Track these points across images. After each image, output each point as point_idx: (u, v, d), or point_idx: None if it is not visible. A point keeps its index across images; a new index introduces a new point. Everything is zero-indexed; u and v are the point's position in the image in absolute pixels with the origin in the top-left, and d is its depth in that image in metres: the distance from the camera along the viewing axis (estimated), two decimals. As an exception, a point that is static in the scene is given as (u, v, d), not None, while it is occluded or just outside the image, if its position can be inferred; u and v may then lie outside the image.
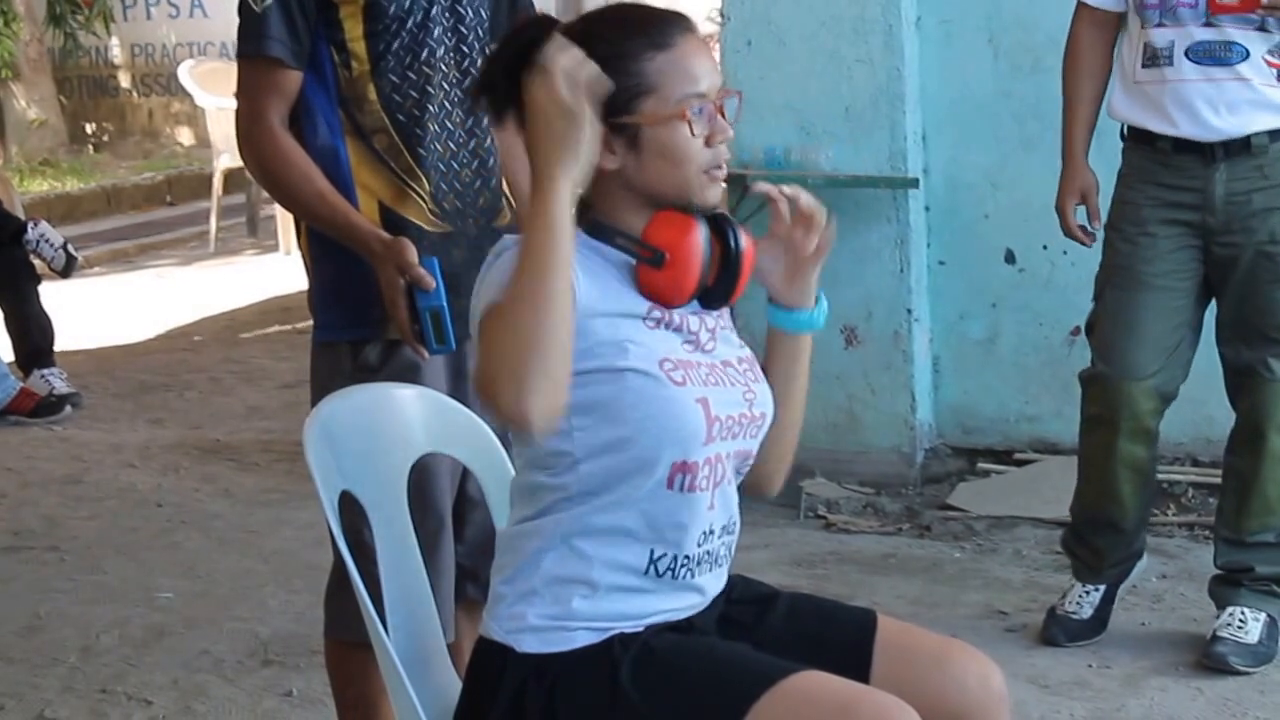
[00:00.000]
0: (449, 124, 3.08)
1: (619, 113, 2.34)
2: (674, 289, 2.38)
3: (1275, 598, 4.19)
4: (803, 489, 5.42)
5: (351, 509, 2.60)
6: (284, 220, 10.60)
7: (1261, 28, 3.95)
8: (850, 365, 5.59)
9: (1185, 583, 4.65)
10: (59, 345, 7.37)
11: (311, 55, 3.03)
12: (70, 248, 7.36)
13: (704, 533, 2.39)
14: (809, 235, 2.55)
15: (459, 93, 3.09)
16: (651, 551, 2.36)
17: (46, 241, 7.26)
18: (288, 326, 8.74)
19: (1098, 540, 4.26)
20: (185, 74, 12.02)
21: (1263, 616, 4.15)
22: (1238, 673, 4.06)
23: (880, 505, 5.43)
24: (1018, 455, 5.61)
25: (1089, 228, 4.27)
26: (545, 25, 2.38)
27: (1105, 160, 4.25)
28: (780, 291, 2.55)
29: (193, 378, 7.80)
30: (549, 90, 2.25)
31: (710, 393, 2.36)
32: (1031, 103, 5.37)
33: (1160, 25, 4.00)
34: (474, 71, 3.10)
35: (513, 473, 2.49)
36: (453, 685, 2.61)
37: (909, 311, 5.55)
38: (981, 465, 5.62)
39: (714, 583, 2.45)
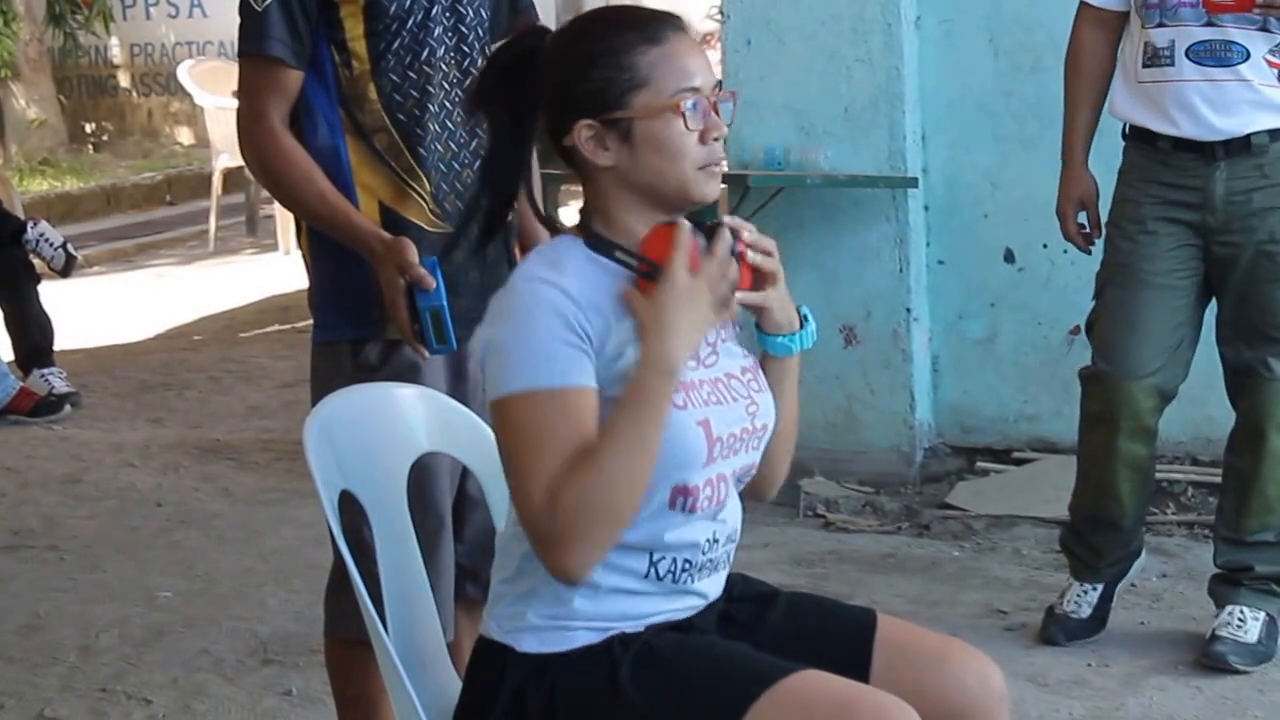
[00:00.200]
0: (450, 124, 3.08)
1: (611, 107, 2.34)
2: None
3: (1275, 597, 4.19)
4: (802, 488, 5.42)
5: (351, 508, 2.60)
6: (283, 220, 10.60)
7: (1263, 28, 3.94)
8: (849, 364, 5.59)
9: (1184, 582, 4.65)
10: (58, 345, 7.37)
11: (312, 55, 3.03)
12: (70, 247, 7.36)
13: (707, 541, 2.40)
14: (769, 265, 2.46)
15: (460, 93, 3.09)
16: (651, 555, 2.36)
17: (46, 241, 7.26)
18: (287, 326, 8.74)
19: (1096, 538, 4.26)
20: (184, 73, 12.02)
21: (1262, 615, 4.15)
22: (1237, 672, 4.06)
23: (879, 504, 5.43)
24: (1017, 454, 5.61)
25: (1089, 233, 4.28)
26: (539, 35, 2.41)
27: (1106, 159, 4.25)
28: (762, 321, 2.49)
29: (192, 377, 7.80)
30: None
31: (711, 412, 2.36)
32: (1031, 102, 5.37)
33: (1161, 25, 4.00)
34: (475, 71, 3.10)
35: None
36: (452, 684, 2.61)
37: (908, 311, 5.55)
38: (980, 464, 5.62)
39: (714, 586, 2.45)
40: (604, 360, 2.31)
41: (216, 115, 11.35)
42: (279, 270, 10.31)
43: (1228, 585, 4.21)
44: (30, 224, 7.31)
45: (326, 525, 2.53)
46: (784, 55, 5.58)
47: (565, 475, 2.23)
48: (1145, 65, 4.04)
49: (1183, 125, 4.01)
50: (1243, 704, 3.94)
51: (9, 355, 7.31)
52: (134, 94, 17.02)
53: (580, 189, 2.43)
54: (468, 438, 2.79)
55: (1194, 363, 4.17)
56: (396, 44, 3.04)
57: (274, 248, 11.16)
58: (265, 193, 10.47)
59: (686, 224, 2.34)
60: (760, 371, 2.48)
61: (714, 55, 6.64)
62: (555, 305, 2.28)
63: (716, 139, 2.39)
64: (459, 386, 3.08)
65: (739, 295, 2.38)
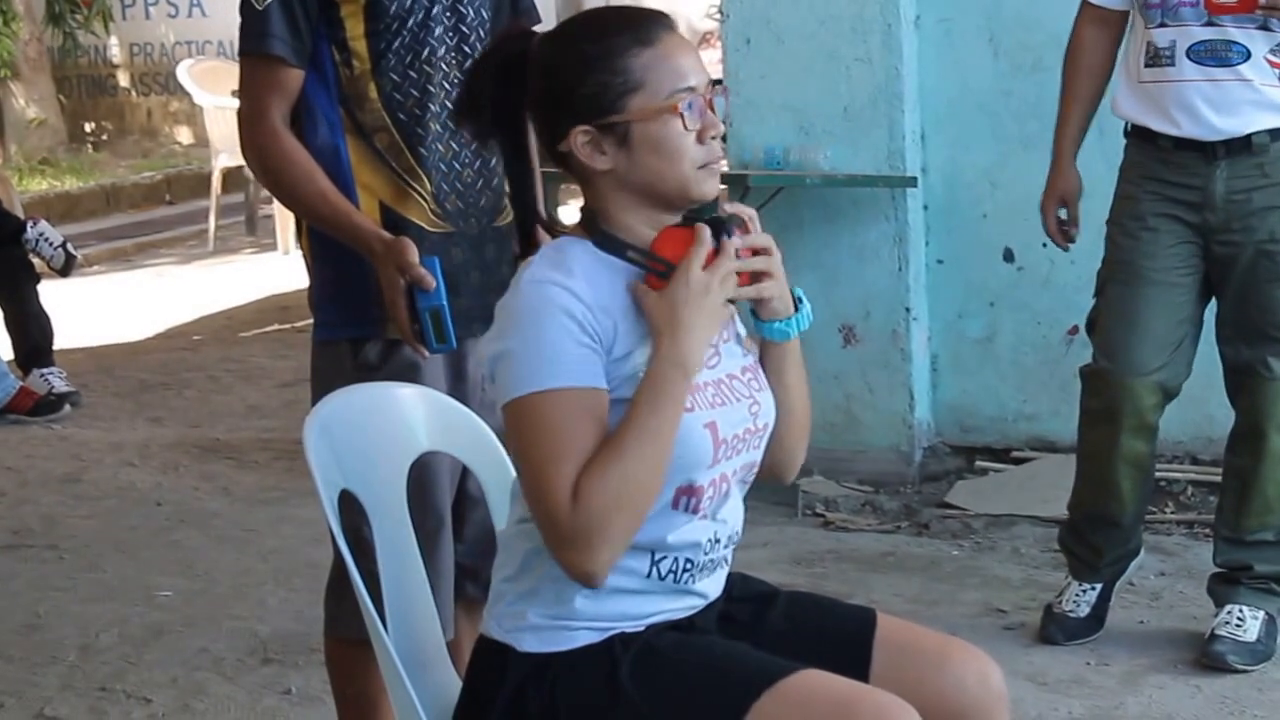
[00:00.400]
0: (451, 124, 3.08)
1: (607, 112, 2.34)
2: None
3: (1274, 596, 4.19)
4: (801, 487, 5.42)
5: (351, 507, 2.60)
6: (282, 219, 10.60)
7: (1264, 27, 3.94)
8: (848, 364, 5.59)
9: (1184, 580, 4.65)
10: (58, 344, 7.37)
11: (312, 54, 3.03)
12: (69, 246, 7.36)
13: (708, 541, 2.40)
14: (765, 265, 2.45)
15: (461, 93, 3.10)
16: (653, 555, 2.36)
17: (46, 240, 7.26)
18: (286, 325, 8.74)
19: (1096, 536, 4.26)
20: (184, 73, 12.01)
21: (1261, 615, 4.15)
22: (1236, 671, 4.06)
23: (879, 503, 5.43)
24: (1016, 454, 5.61)
25: (1068, 230, 4.29)
26: (525, 39, 2.40)
27: (1109, 158, 4.25)
28: (760, 310, 2.48)
29: (192, 376, 7.80)
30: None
31: (717, 414, 2.36)
32: (1032, 102, 5.37)
33: (1163, 25, 4.00)
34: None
35: (513, 474, 2.49)
36: (452, 683, 2.62)
37: (907, 310, 5.55)
38: (979, 463, 5.63)
39: (714, 586, 2.45)
40: (612, 361, 2.31)
41: (216, 115, 11.35)
42: (278, 269, 10.31)
43: (1227, 584, 4.21)
44: (30, 223, 7.31)
45: (326, 524, 2.53)
46: (783, 55, 5.58)
47: (586, 475, 2.23)
48: (1147, 65, 4.04)
49: (1184, 125, 4.01)
50: (1242, 703, 3.94)
51: (9, 355, 7.31)
52: (133, 93, 17.01)
53: (579, 189, 2.43)
54: (468, 437, 2.79)
55: (1195, 361, 4.17)
56: (397, 43, 3.04)
57: (273, 247, 11.16)
58: (265, 192, 10.41)
59: (705, 229, 2.34)
60: (760, 370, 2.49)
61: (713, 54, 6.65)
62: (565, 306, 2.28)
63: (714, 137, 2.38)
64: (459, 386, 3.09)
65: (737, 291, 2.37)
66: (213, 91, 11.36)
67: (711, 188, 2.40)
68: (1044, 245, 5.31)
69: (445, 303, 2.96)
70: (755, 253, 2.39)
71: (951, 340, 5.66)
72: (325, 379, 3.02)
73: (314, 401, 2.83)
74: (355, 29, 3.03)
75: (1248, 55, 3.95)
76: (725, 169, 5.60)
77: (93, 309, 9.48)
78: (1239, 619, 4.14)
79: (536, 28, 3.18)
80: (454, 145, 3.09)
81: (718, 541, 2.41)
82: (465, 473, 3.06)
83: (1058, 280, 5.43)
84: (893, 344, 5.57)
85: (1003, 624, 4.43)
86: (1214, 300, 4.16)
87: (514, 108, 2.42)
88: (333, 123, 3.06)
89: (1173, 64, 4.00)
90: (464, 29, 3.12)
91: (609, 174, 2.36)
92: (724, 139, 2.48)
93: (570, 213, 4.52)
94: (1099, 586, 4.30)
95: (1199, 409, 4.92)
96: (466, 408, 2.84)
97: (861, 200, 5.55)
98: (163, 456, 6.36)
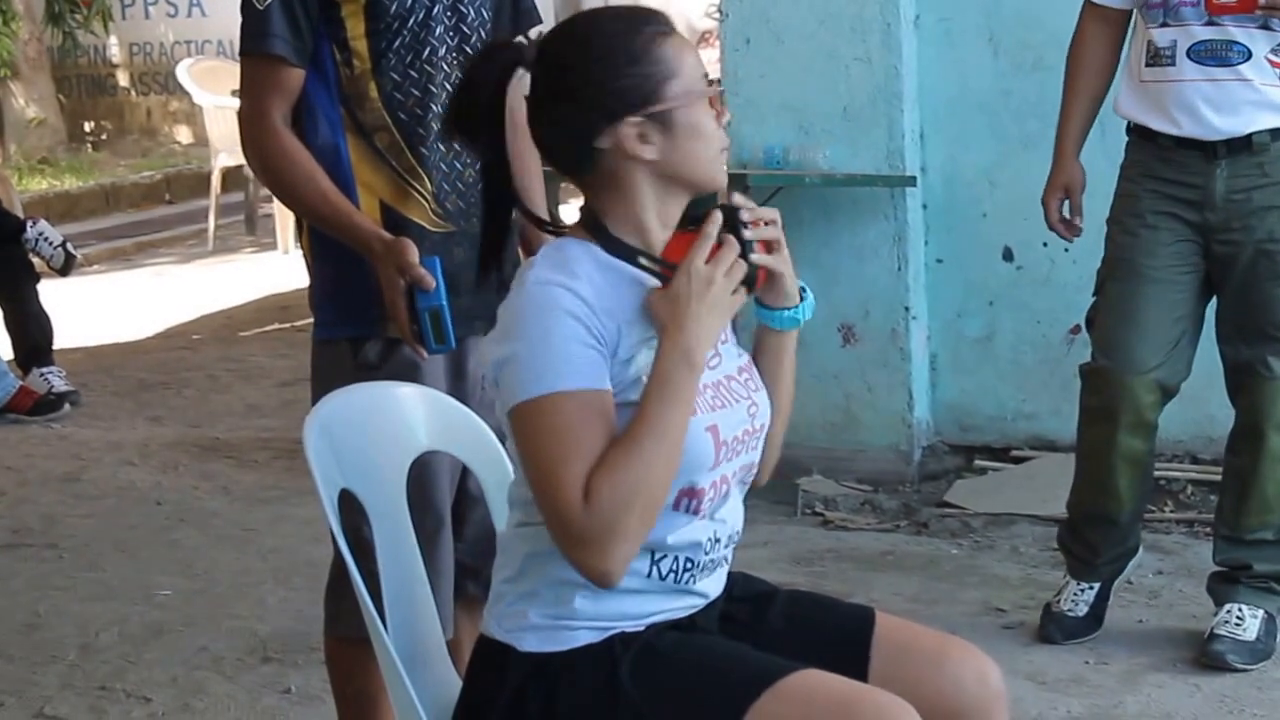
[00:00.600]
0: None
1: (652, 101, 2.34)
2: None
3: (1273, 595, 4.20)
4: (800, 486, 5.43)
5: (351, 506, 2.60)
6: (282, 218, 10.61)
7: (1265, 26, 3.94)
8: (848, 363, 5.60)
9: (1183, 579, 4.65)
10: (58, 343, 7.37)
11: (313, 53, 3.03)
12: (69, 246, 7.37)
13: (708, 541, 2.40)
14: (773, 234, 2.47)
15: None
16: (653, 555, 2.36)
17: (45, 240, 7.27)
18: (286, 324, 8.74)
19: (1094, 535, 4.26)
20: (183, 72, 12.01)
21: (1260, 614, 4.15)
22: (1235, 670, 4.06)
23: (878, 503, 5.44)
24: (1015, 453, 5.61)
25: (1072, 223, 4.29)
26: (518, 49, 2.39)
27: (1111, 156, 4.25)
28: (772, 293, 2.51)
29: (191, 376, 7.80)
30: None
31: (718, 417, 2.36)
32: (1032, 101, 5.37)
33: (1164, 25, 4.00)
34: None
35: (511, 475, 2.49)
36: (452, 682, 2.62)
37: (906, 309, 5.56)
38: (979, 463, 5.63)
39: (715, 585, 2.45)
40: (616, 365, 2.31)
41: (215, 114, 11.36)
42: (278, 269, 10.32)
43: (1226, 583, 4.22)
44: (29, 223, 7.32)
45: (325, 523, 2.53)
46: (783, 54, 5.58)
47: (598, 474, 2.22)
48: (1147, 64, 4.04)
49: (1184, 125, 4.02)
50: (1241, 702, 3.94)
51: (8, 354, 7.31)
52: (133, 93, 17.02)
53: (585, 189, 2.42)
54: (467, 436, 2.79)
55: (1195, 360, 4.17)
56: (397, 43, 3.04)
57: (273, 246, 11.16)
58: (264, 191, 10.38)
59: (718, 214, 2.34)
60: (754, 369, 2.49)
61: (713, 53, 6.65)
62: (570, 308, 2.28)
63: (727, 123, 2.42)
64: (459, 385, 3.09)
65: (756, 258, 2.37)
66: (212, 91, 11.37)
67: (724, 174, 2.43)
68: (1044, 244, 5.33)
69: (445, 303, 2.96)
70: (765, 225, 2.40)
71: (951, 339, 5.66)
72: (325, 378, 3.03)
73: (314, 401, 2.83)
74: (356, 28, 3.03)
75: (1248, 55, 3.96)
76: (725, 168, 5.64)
77: (92, 308, 9.48)
78: (1238, 618, 4.14)
79: (536, 28, 3.21)
80: (455, 145, 3.09)
81: (718, 541, 2.41)
82: (465, 472, 3.06)
83: (1057, 279, 5.43)
84: (892, 343, 5.57)
85: (1002, 623, 4.44)
86: (1214, 299, 4.16)
87: (501, 119, 2.39)
88: (333, 122, 3.06)
89: (1173, 64, 4.00)
90: (464, 29, 3.12)
91: (650, 165, 2.36)
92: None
93: (569, 212, 4.52)
94: (1097, 585, 4.30)
95: (1199, 408, 4.92)
96: (466, 407, 2.84)
97: (861, 199, 5.55)
98: (162, 456, 6.36)
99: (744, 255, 2.36)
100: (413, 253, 2.96)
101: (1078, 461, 4.30)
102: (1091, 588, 4.30)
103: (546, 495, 2.25)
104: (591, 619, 2.34)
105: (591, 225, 2.38)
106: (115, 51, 16.91)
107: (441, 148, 3.08)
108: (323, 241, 3.09)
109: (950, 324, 5.66)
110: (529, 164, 2.92)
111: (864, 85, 5.51)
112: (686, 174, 2.37)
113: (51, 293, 7.63)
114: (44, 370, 7.19)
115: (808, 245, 5.56)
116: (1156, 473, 4.49)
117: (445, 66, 3.08)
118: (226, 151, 11.05)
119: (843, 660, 2.39)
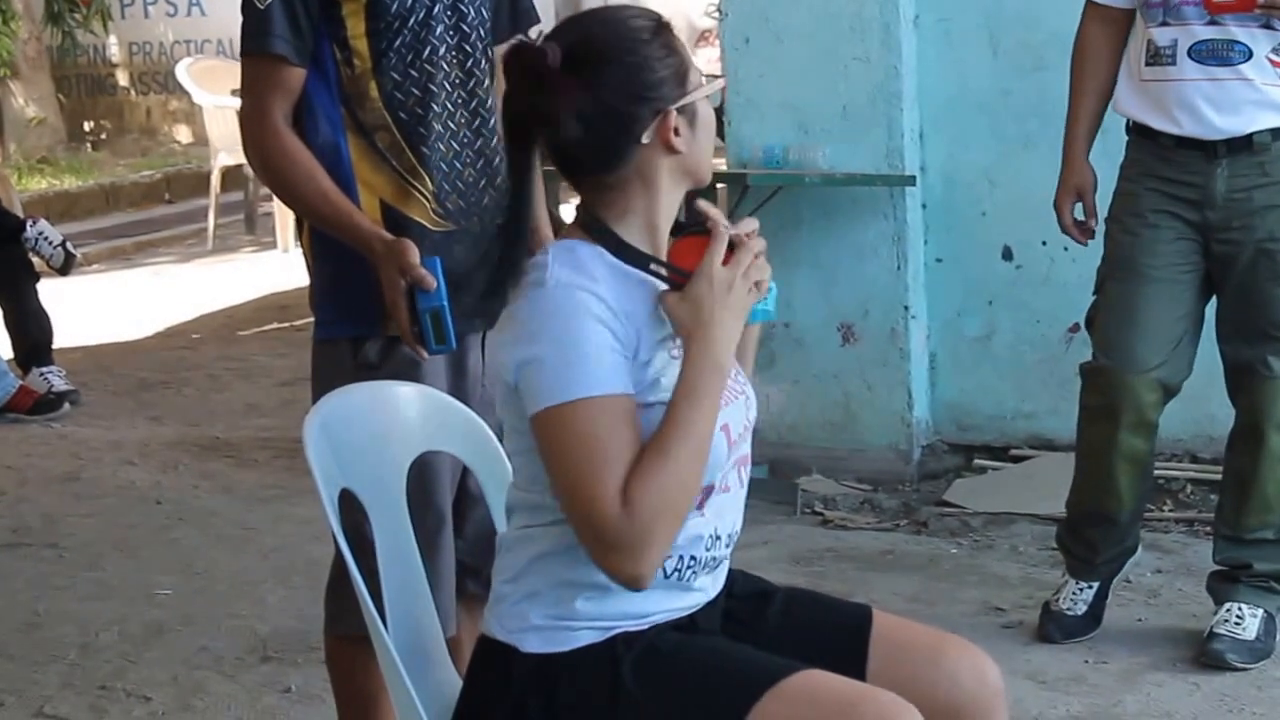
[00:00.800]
0: (452, 124, 3.09)
1: (681, 93, 2.34)
2: None
3: (1273, 594, 4.20)
4: (800, 486, 5.43)
5: (351, 505, 2.61)
6: (282, 217, 10.61)
7: (1266, 26, 3.94)
8: (847, 362, 5.59)
9: (1182, 578, 4.66)
10: (57, 343, 7.37)
11: (314, 52, 3.04)
12: (69, 245, 7.37)
13: (710, 537, 2.40)
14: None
15: (462, 93, 3.10)
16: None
17: (45, 239, 7.27)
18: (285, 324, 8.74)
19: (1093, 534, 4.26)
20: (183, 72, 12.01)
21: (1260, 613, 4.15)
22: (1235, 669, 4.06)
23: (877, 502, 5.44)
24: (1014, 452, 5.62)
25: (1086, 224, 4.28)
26: (533, 49, 2.33)
27: (1111, 156, 4.26)
28: None
29: (191, 375, 7.80)
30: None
31: (727, 415, 2.36)
32: (1033, 101, 5.37)
33: (1164, 24, 4.00)
34: (477, 71, 3.11)
35: (510, 477, 2.49)
36: (452, 681, 2.62)
37: (906, 309, 5.56)
38: (978, 462, 5.63)
39: (715, 582, 2.46)
40: (636, 367, 2.31)
41: (215, 113, 11.36)
42: (278, 268, 10.32)
43: (1226, 582, 4.22)
44: (29, 222, 7.31)
45: (325, 522, 2.53)
46: (782, 54, 5.59)
47: (635, 480, 2.22)
48: (1148, 64, 4.04)
49: (1185, 124, 4.01)
50: (1240, 700, 3.94)
51: (8, 353, 7.31)
52: (132, 92, 17.01)
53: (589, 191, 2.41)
54: (467, 436, 2.79)
55: (1195, 360, 4.17)
56: (398, 42, 3.04)
57: (273, 245, 11.16)
58: (264, 191, 10.38)
59: (722, 223, 2.34)
60: (738, 363, 2.49)
61: (712, 53, 6.65)
62: (596, 312, 2.27)
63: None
64: (459, 383, 3.09)
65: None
66: (212, 90, 11.36)
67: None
68: (1043, 243, 5.34)
69: (446, 303, 2.96)
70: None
71: (950, 339, 5.66)
72: (325, 378, 3.03)
73: (314, 400, 2.83)
74: (356, 28, 3.03)
75: (1249, 54, 3.95)
76: (724, 168, 5.65)
77: (92, 308, 9.47)
78: (1238, 617, 4.14)
79: (535, 28, 3.20)
80: (455, 144, 3.10)
81: (718, 538, 2.41)
82: (466, 471, 3.06)
83: (1056, 279, 5.43)
84: (891, 342, 5.57)
85: (1001, 622, 4.44)
86: (1214, 298, 4.16)
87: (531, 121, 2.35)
88: (334, 121, 3.06)
89: (1174, 63, 4.00)
90: (464, 28, 3.12)
91: (678, 157, 2.36)
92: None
93: (567, 212, 4.52)
94: (1096, 584, 4.30)
95: (1199, 407, 4.92)
96: (467, 405, 2.84)
97: (860, 199, 5.55)
98: (162, 455, 6.36)
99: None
100: (414, 253, 2.96)
101: (1078, 460, 4.30)
102: (1090, 587, 4.30)
103: (580, 501, 2.24)
104: (593, 619, 2.34)
105: (594, 227, 2.37)
106: (115, 51, 16.91)
107: (442, 147, 3.08)
108: (323, 241, 3.09)
109: (950, 323, 5.66)
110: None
111: (863, 85, 5.51)
112: (695, 167, 2.39)
113: (51, 292, 7.63)
114: (44, 369, 7.19)
115: (807, 245, 5.56)
116: (1156, 472, 4.49)
117: (445, 66, 3.09)
118: (226, 151, 11.05)
119: (841, 659, 2.40)
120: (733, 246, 2.34)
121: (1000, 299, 5.60)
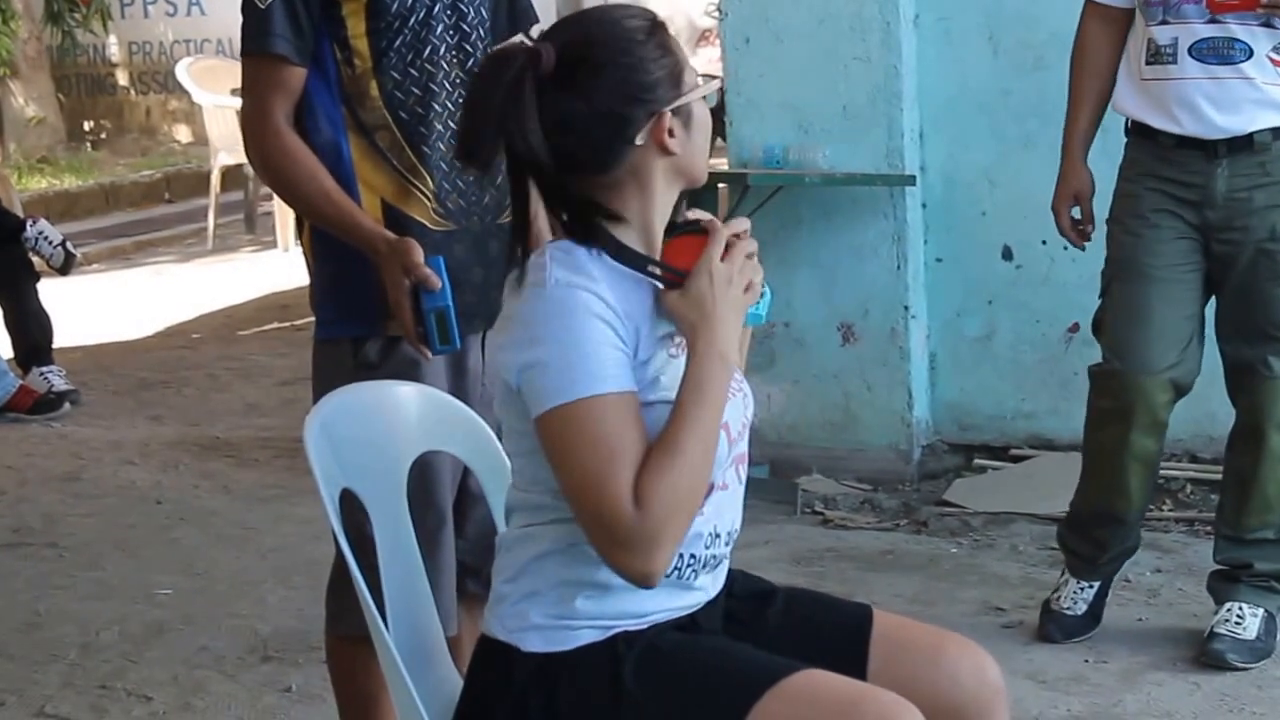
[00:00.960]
0: (453, 123, 3.08)
1: (676, 94, 2.34)
2: None
3: (1274, 594, 4.20)
4: (800, 486, 5.43)
5: (352, 505, 2.61)
6: (282, 216, 10.61)
7: (1267, 24, 3.93)
8: (847, 362, 5.60)
9: (1183, 578, 4.66)
10: (58, 342, 7.37)
11: (314, 52, 3.04)
12: (68, 245, 7.37)
13: (709, 535, 2.40)
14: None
15: (463, 92, 3.09)
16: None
17: (45, 239, 7.27)
18: (285, 324, 8.75)
19: (1102, 533, 4.25)
20: (183, 71, 12.01)
21: (1261, 612, 4.15)
22: (1235, 668, 4.06)
23: (877, 502, 5.44)
24: (1014, 452, 5.62)
25: (1083, 228, 4.28)
26: (534, 56, 2.30)
27: (1111, 155, 4.26)
28: None
29: (191, 375, 7.80)
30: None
31: (726, 413, 2.35)
32: (1031, 101, 5.37)
33: (1164, 22, 3.99)
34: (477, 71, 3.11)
35: (509, 478, 2.48)
36: (453, 681, 2.62)
37: (906, 308, 5.56)
38: (978, 462, 5.63)
39: (715, 582, 2.45)
40: (636, 365, 2.30)
41: (215, 113, 11.36)
42: (278, 268, 10.32)
43: (1227, 582, 4.22)
44: (29, 222, 7.32)
45: (326, 522, 2.53)
46: (782, 53, 5.59)
47: (648, 480, 2.21)
48: (1148, 63, 4.03)
49: (1185, 123, 4.01)
50: (1241, 700, 3.94)
51: (8, 353, 7.32)
52: (132, 92, 17.02)
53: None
54: (468, 435, 2.79)
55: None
56: (398, 42, 3.05)
57: (273, 245, 11.17)
58: (264, 190, 10.37)
59: (718, 222, 2.35)
60: None
61: (713, 52, 6.65)
62: (598, 312, 2.27)
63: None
64: (460, 383, 3.09)
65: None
66: (211, 90, 11.37)
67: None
68: (1043, 243, 5.34)
69: (450, 303, 2.96)
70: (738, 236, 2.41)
71: (950, 338, 5.66)
72: (326, 377, 3.03)
73: (315, 400, 2.83)
74: (357, 27, 3.03)
75: (1250, 53, 3.95)
76: (725, 168, 5.65)
77: (92, 307, 9.48)
78: (1238, 616, 4.14)
79: (534, 27, 3.20)
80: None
81: (717, 536, 2.41)
82: (467, 470, 3.06)
83: (1056, 278, 5.43)
84: (891, 342, 5.57)
85: (1001, 622, 4.44)
86: (1214, 298, 4.15)
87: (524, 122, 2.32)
88: (335, 121, 3.06)
89: (1174, 61, 3.99)
90: (465, 27, 3.12)
91: (672, 160, 2.35)
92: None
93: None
94: (1097, 584, 4.30)
95: (1200, 407, 4.91)
96: (467, 405, 2.84)
97: (860, 199, 5.55)
98: (162, 455, 6.36)
99: None
100: (418, 253, 2.96)
101: (1086, 461, 4.28)
102: (1091, 586, 4.30)
103: (590, 500, 2.23)
104: (594, 618, 2.34)
105: (593, 230, 2.35)
106: (115, 50, 16.92)
107: (442, 146, 3.08)
108: (323, 240, 3.09)
109: (949, 323, 5.66)
110: None
111: (863, 85, 5.51)
112: (690, 167, 2.38)
113: (51, 292, 7.63)
114: (44, 369, 7.20)
115: (807, 244, 5.56)
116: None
117: (445, 65, 3.09)
118: (226, 150, 11.05)
119: (841, 658, 2.40)
120: (726, 246, 2.35)
121: (1000, 299, 5.60)
